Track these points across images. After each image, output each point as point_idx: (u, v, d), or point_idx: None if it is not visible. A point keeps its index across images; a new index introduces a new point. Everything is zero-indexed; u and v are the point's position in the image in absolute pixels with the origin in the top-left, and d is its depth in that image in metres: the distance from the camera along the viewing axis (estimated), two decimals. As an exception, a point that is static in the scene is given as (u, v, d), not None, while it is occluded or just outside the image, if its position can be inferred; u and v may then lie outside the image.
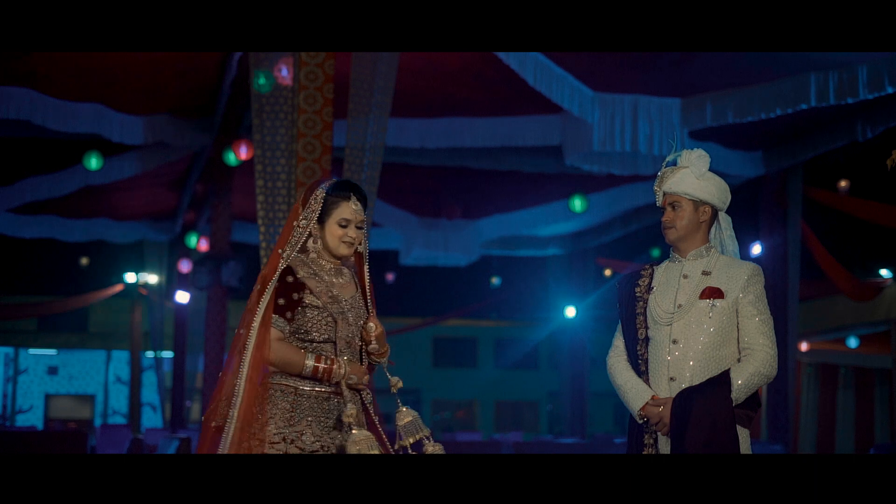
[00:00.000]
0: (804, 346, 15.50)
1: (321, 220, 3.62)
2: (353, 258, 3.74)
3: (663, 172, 3.88)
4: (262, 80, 8.12)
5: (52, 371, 28.77)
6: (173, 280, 19.21)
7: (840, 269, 13.11)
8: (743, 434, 3.67)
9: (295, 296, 3.52)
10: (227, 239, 13.59)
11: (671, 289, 3.83)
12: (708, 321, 3.71)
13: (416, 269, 17.32)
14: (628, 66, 9.87)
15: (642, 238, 17.68)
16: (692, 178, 3.83)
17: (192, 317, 18.12)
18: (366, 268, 3.73)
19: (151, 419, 26.43)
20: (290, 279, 3.53)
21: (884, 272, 14.13)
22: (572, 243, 18.67)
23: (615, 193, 14.49)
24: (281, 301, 3.51)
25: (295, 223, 3.64)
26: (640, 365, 3.83)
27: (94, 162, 12.46)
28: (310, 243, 3.62)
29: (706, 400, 3.59)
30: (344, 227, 3.61)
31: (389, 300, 26.27)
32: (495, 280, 22.80)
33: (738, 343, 3.75)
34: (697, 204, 3.84)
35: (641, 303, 3.87)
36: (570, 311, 19.24)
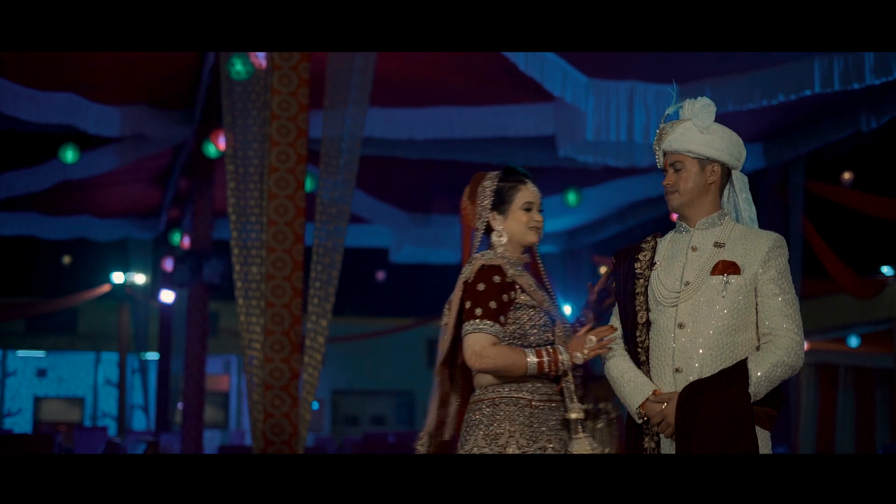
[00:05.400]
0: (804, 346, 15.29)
1: (502, 211, 3.51)
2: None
3: (662, 128, 3.33)
4: (238, 67, 7.75)
5: (41, 373, 28.82)
6: (158, 279, 18.99)
7: (842, 266, 12.88)
8: (763, 437, 3.11)
9: (506, 297, 3.37)
10: (209, 234, 13.30)
11: (677, 263, 3.30)
12: (721, 301, 3.17)
13: (407, 266, 17.10)
14: (623, 52, 9.59)
15: (639, 235, 17.37)
16: (695, 132, 3.27)
17: (177, 317, 17.89)
18: (539, 259, 3.61)
19: (142, 421, 26.32)
20: (497, 279, 3.37)
21: (885, 269, 13.93)
22: (567, 241, 18.47)
23: (610, 187, 14.27)
24: (492, 304, 3.35)
25: (474, 222, 3.53)
26: (639, 354, 3.28)
27: (70, 155, 12.15)
28: (494, 237, 3.51)
29: (719, 395, 3.03)
30: (528, 211, 3.52)
31: (380, 299, 25.98)
32: (489, 278, 22.58)
33: (757, 328, 3.20)
34: (704, 163, 3.29)
35: (642, 280, 3.33)
36: (565, 311, 18.98)
